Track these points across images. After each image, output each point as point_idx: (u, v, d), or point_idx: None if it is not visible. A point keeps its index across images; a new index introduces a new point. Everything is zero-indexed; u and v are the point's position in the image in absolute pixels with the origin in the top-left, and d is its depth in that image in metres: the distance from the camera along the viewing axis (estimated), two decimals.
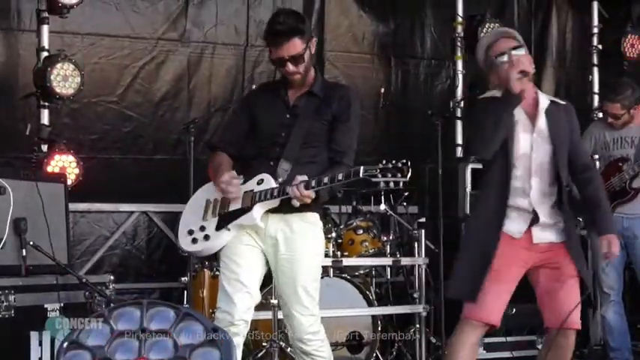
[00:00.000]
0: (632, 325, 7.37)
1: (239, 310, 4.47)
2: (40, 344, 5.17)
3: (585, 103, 9.53)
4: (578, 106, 9.27)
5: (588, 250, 7.69)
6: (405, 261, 7.20)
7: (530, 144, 4.91)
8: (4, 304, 5.03)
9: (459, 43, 8.83)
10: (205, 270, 6.84)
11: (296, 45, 4.50)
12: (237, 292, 4.49)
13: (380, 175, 4.45)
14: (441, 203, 7.22)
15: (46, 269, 5.47)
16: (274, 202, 4.51)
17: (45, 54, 7.06)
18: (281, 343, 6.53)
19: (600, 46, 9.73)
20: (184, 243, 4.66)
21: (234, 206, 4.56)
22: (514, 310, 7.55)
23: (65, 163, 6.90)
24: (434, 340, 7.19)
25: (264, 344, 6.62)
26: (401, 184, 4.50)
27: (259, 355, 6.62)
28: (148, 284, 7.63)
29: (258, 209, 4.50)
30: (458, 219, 7.60)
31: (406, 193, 7.48)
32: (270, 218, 4.57)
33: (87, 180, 7.01)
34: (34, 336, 5.15)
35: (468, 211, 7.60)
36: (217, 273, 6.72)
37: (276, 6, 8.18)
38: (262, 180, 4.53)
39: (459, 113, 8.74)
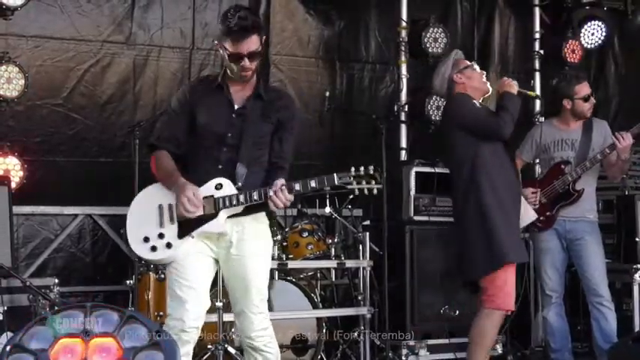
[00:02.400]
0: (573, 327, 7.45)
1: (191, 317, 4.51)
2: None
3: (527, 110, 9.61)
4: (520, 113, 9.44)
5: (530, 254, 7.79)
6: (350, 263, 7.24)
7: None
8: None
9: (402, 48, 8.88)
10: (151, 273, 6.81)
11: (255, 41, 4.54)
12: (189, 300, 4.51)
13: (355, 183, 4.55)
14: (386, 206, 7.24)
15: None
16: (239, 208, 4.51)
17: None
18: (226, 345, 6.53)
19: (542, 52, 9.84)
20: (141, 251, 4.57)
21: (195, 212, 4.49)
22: (457, 312, 7.66)
23: (9, 166, 6.91)
24: (378, 342, 7.22)
25: (209, 347, 6.61)
26: (375, 190, 4.55)
27: (204, 358, 6.61)
28: (93, 287, 7.59)
29: (223, 215, 4.50)
30: (402, 222, 7.62)
31: (351, 196, 7.49)
32: (226, 218, 4.55)
33: (31, 182, 7.03)
34: None
35: (412, 214, 7.66)
36: (163, 276, 6.71)
37: (222, 9, 8.17)
38: (221, 185, 4.52)
39: (403, 117, 8.78)
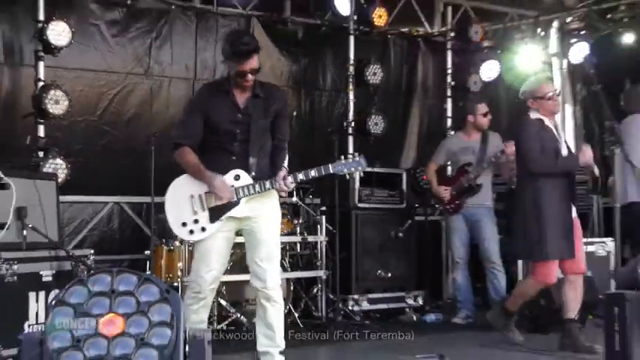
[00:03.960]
0: (474, 285, 7.51)
1: (207, 284, 4.44)
2: (37, 301, 5.07)
3: (441, 126, 9.70)
4: (437, 128, 9.51)
5: (443, 232, 7.79)
6: (311, 238, 7.21)
7: None
8: (9, 271, 4.93)
9: (350, 80, 8.83)
10: (163, 246, 6.75)
11: (256, 60, 4.45)
12: (209, 271, 4.43)
13: (345, 168, 4.54)
14: (337, 196, 7.23)
15: (42, 245, 5.34)
16: (252, 195, 4.44)
17: (41, 83, 6.94)
18: (219, 299, 6.47)
19: (452, 83, 9.83)
20: (181, 233, 4.50)
21: (220, 201, 4.40)
22: (389, 274, 7.66)
23: (57, 166, 6.80)
24: (331, 296, 7.20)
25: None
26: (361, 173, 4.57)
27: None
28: (120, 256, 7.47)
29: (244, 201, 4.42)
30: (349, 208, 7.62)
31: (312, 189, 7.51)
32: (246, 202, 4.46)
33: (73, 178, 6.90)
34: (32, 295, 5.08)
35: (356, 202, 7.68)
36: (172, 248, 6.66)
37: (217, 51, 8.15)
38: (239, 176, 4.43)
39: (350, 131, 8.75)
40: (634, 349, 2.68)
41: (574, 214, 5.64)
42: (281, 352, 4.53)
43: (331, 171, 4.54)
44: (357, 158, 4.59)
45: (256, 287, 4.50)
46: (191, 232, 4.42)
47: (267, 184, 4.42)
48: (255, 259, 4.48)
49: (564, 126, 10.50)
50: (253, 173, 4.45)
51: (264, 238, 4.50)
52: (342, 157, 4.64)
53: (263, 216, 4.52)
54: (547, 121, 5.66)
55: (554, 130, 5.70)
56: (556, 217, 5.51)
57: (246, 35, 4.71)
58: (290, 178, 4.43)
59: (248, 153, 4.47)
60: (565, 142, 5.77)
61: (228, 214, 4.42)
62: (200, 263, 4.47)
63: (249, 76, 4.44)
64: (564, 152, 5.62)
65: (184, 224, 4.42)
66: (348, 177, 4.76)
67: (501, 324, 6.02)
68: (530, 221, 5.58)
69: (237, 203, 4.42)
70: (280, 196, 4.65)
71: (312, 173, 4.51)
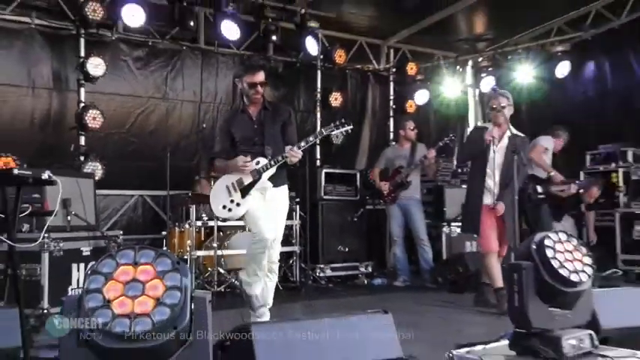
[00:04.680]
0: (409, 257, 7.48)
1: (266, 234, 4.33)
2: (78, 271, 5.03)
3: (385, 138, 9.70)
4: (382, 140, 9.53)
5: (387, 219, 7.78)
6: (288, 222, 7.14)
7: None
8: (57, 248, 4.87)
9: (318, 104, 8.84)
10: (176, 228, 6.70)
11: (263, 75, 4.43)
12: (264, 225, 4.36)
13: (335, 129, 4.53)
14: (308, 190, 7.22)
15: (82, 228, 5.27)
16: (273, 170, 4.41)
17: (82, 104, 6.93)
18: (220, 269, 6.42)
19: (394, 107, 9.86)
20: (222, 213, 4.50)
21: (247, 181, 4.39)
22: (347, 249, 7.65)
23: (94, 167, 6.81)
24: (303, 266, 7.18)
25: (209, 269, 6.53)
26: (349, 130, 4.57)
27: (206, 275, 6.52)
28: (143, 236, 7.37)
29: (265, 177, 4.40)
30: (317, 199, 7.59)
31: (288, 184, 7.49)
32: (268, 189, 4.44)
33: (106, 177, 6.89)
34: (74, 266, 5.04)
35: (322, 195, 7.63)
36: (183, 230, 6.60)
37: (217, 83, 8.13)
38: (258, 161, 4.40)
39: (317, 142, 8.69)
40: (528, 304, 2.69)
41: (497, 204, 5.20)
42: (269, 309, 4.52)
43: (325, 133, 4.53)
44: (343, 120, 4.56)
45: (258, 238, 4.45)
46: (229, 210, 4.41)
47: (280, 157, 4.38)
48: (266, 220, 4.43)
49: None
50: (270, 157, 4.42)
51: (275, 207, 4.50)
52: (332, 123, 4.58)
53: (278, 195, 4.51)
54: (490, 128, 5.28)
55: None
56: (469, 203, 5.47)
57: (255, 58, 4.67)
58: (295, 147, 4.36)
59: (264, 151, 4.43)
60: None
61: (256, 187, 4.40)
62: (257, 225, 4.39)
63: (259, 88, 4.41)
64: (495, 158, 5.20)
65: (224, 207, 4.42)
66: (335, 140, 4.69)
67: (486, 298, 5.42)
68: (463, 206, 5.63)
69: (259, 179, 4.40)
70: (294, 165, 4.50)
71: (311, 139, 4.48)
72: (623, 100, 8.72)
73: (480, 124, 5.47)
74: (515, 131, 5.25)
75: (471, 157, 5.56)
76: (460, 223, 5.94)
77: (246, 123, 4.51)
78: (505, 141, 5.19)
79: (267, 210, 4.47)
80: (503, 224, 5.18)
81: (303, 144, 4.43)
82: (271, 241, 4.39)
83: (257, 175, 4.40)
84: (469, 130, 10.34)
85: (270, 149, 4.44)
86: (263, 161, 4.42)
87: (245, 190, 4.39)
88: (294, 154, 4.36)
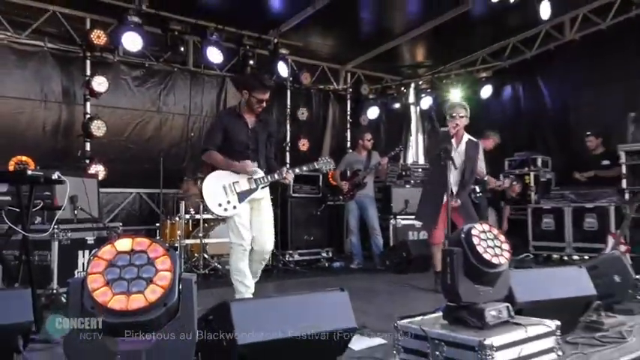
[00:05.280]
0: (362, 244, 7.46)
1: (246, 242, 4.16)
2: (83, 257, 4.91)
3: (344, 146, 9.70)
4: (340, 147, 9.53)
5: (345, 213, 7.76)
6: None
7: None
8: (65, 237, 4.76)
9: (287, 117, 8.83)
10: (168, 220, 6.60)
11: (269, 94, 4.21)
12: (246, 234, 4.15)
13: (323, 166, 4.38)
14: (279, 189, 7.06)
15: (87, 220, 5.15)
16: (267, 184, 4.25)
17: (88, 116, 6.82)
18: (204, 254, 6.35)
19: (351, 120, 9.86)
20: (217, 211, 4.11)
21: (244, 187, 4.14)
22: (312, 237, 7.62)
23: (98, 169, 6.71)
24: (275, 252, 7.05)
25: (195, 255, 6.44)
26: (332, 167, 4.48)
27: (193, 260, 6.43)
28: (139, 227, 7.27)
29: (260, 189, 4.19)
30: (287, 196, 7.51)
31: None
32: (257, 201, 4.24)
33: (109, 177, 6.79)
34: (80, 253, 4.91)
35: (291, 192, 7.55)
36: (173, 222, 6.50)
37: (203, 99, 8.02)
38: (256, 171, 4.19)
39: (287, 148, 8.72)
40: (458, 282, 2.71)
41: (456, 201, 4.98)
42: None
43: (316, 167, 4.39)
44: (329, 159, 4.44)
45: (256, 250, 4.25)
46: (225, 209, 4.11)
47: (276, 175, 4.20)
48: (265, 231, 4.24)
49: (417, 148, 10.73)
50: (264, 170, 4.25)
51: (268, 219, 4.28)
52: (320, 158, 4.45)
53: (266, 206, 4.30)
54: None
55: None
56: (429, 201, 5.11)
57: (265, 75, 4.46)
58: (290, 170, 4.22)
59: (258, 157, 4.25)
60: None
61: (251, 196, 4.18)
62: (239, 230, 4.15)
63: (264, 104, 4.21)
64: (458, 160, 4.95)
65: (220, 205, 4.11)
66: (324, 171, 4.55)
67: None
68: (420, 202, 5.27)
69: (256, 189, 4.19)
70: (284, 183, 4.34)
71: (304, 168, 4.36)
72: (534, 117, 8.94)
73: (444, 128, 5.21)
74: (469, 137, 5.10)
75: (437, 156, 4.95)
76: (414, 217, 5.53)
77: (242, 127, 4.23)
78: (463, 146, 5.02)
79: (254, 221, 4.25)
80: (462, 219, 4.90)
81: (297, 170, 4.30)
82: (249, 247, 4.19)
83: (254, 185, 4.20)
84: (414, 137, 10.51)
85: (262, 162, 4.26)
86: (259, 173, 4.20)
87: (242, 196, 4.16)
88: (288, 177, 4.22)
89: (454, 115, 5.00)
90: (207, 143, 4.28)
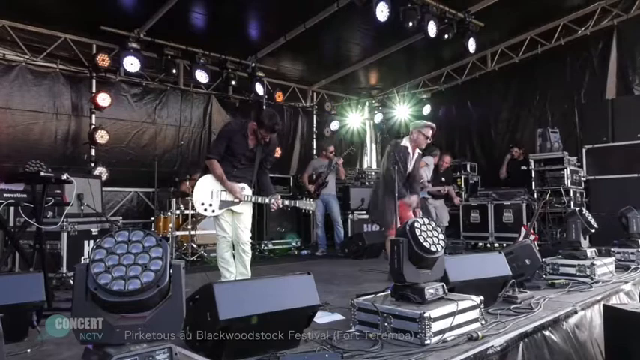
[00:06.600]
0: (327, 234, 7.45)
1: (229, 234, 3.94)
2: (88, 246, 4.79)
3: (310, 153, 9.65)
4: (308, 154, 9.52)
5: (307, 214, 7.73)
6: None
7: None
8: (73, 229, 4.66)
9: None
10: (161, 215, 6.46)
11: (273, 133, 3.94)
12: (228, 232, 3.94)
13: (307, 207, 4.02)
14: (258, 189, 7.06)
15: (92, 214, 5.02)
16: (249, 202, 3.94)
17: (93, 126, 6.67)
18: (192, 244, 6.24)
19: (316, 132, 9.81)
20: (200, 210, 3.87)
21: (229, 198, 3.86)
22: (283, 229, 7.58)
23: (101, 171, 6.56)
24: (252, 241, 7.00)
25: (184, 244, 6.33)
26: (311, 208, 4.04)
27: (183, 249, 6.31)
28: (136, 220, 7.10)
29: (242, 202, 3.91)
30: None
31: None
32: (242, 203, 3.97)
33: (111, 178, 6.66)
34: (86, 243, 4.81)
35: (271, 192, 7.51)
36: (166, 216, 6.36)
37: (192, 113, 7.87)
38: (244, 188, 3.92)
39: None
40: (404, 266, 2.74)
41: (411, 199, 4.73)
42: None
43: (298, 205, 4.00)
44: (311, 202, 4.06)
45: (237, 242, 4.05)
46: (205, 210, 3.89)
47: (267, 200, 3.89)
48: (240, 228, 4.00)
49: (371, 156, 10.82)
50: (253, 189, 4.00)
51: (245, 219, 4.01)
52: (304, 199, 4.04)
53: (247, 210, 4.01)
54: (410, 148, 4.78)
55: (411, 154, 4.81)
56: (387, 202, 4.72)
57: (277, 118, 3.97)
58: (280, 201, 3.89)
59: (251, 173, 4.00)
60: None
61: (230, 207, 3.93)
62: (223, 226, 3.94)
63: (266, 139, 3.92)
64: (410, 167, 4.77)
65: (202, 204, 3.89)
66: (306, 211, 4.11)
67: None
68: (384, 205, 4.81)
69: (238, 203, 3.89)
70: (271, 207, 3.99)
71: (294, 203, 3.98)
72: (464, 131, 9.22)
73: (403, 142, 4.94)
74: (419, 151, 4.90)
75: (397, 165, 4.68)
76: (367, 215, 5.38)
77: (244, 146, 3.92)
78: (416, 156, 4.84)
79: (234, 220, 4.02)
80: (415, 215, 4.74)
81: (287, 203, 3.97)
82: (233, 240, 4.01)
83: (237, 199, 3.95)
84: (368, 147, 10.58)
85: (254, 180, 4.02)
86: (248, 191, 3.92)
87: (223, 205, 3.93)
88: (276, 205, 3.93)
89: (427, 135, 4.74)
90: (212, 152, 4.03)
